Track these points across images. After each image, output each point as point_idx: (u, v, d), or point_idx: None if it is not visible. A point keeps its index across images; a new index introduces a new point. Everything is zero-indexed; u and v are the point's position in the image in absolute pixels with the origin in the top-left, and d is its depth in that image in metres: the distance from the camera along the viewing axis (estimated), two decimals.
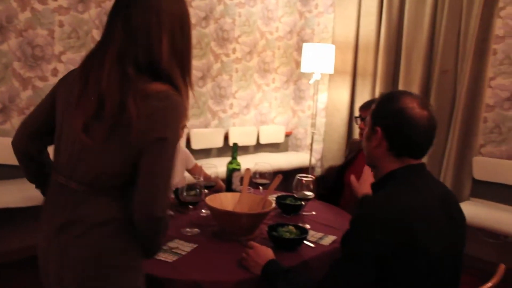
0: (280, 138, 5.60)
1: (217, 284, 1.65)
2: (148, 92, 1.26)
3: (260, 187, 2.59)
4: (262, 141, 5.39)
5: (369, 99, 3.97)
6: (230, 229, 2.06)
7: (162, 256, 1.82)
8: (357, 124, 2.99)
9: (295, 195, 2.30)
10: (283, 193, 2.69)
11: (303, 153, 5.71)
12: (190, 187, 2.13)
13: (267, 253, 1.75)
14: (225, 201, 2.24)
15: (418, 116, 1.48)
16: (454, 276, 1.52)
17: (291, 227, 2.06)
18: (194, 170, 2.83)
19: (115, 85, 1.26)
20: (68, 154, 1.37)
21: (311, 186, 2.28)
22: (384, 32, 4.78)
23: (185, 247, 1.93)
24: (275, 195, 2.61)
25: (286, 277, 1.59)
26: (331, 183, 3.21)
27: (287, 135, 5.76)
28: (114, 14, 1.33)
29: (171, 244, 1.95)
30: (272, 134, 5.51)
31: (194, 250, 1.92)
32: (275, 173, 2.47)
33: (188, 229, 2.12)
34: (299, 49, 5.58)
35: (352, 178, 2.25)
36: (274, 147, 5.64)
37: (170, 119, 1.29)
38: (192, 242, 1.98)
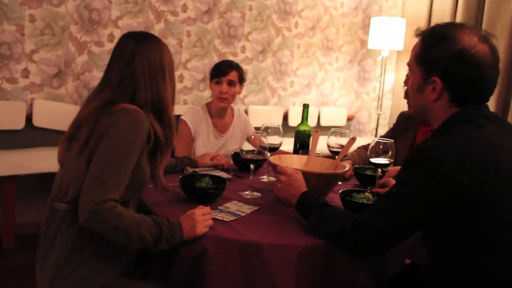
0: (342, 121, 5.26)
1: (280, 248, 1.39)
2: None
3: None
4: (323, 123, 5.09)
5: None
6: None
7: (218, 215, 1.56)
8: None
9: (373, 162, 1.98)
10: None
11: (366, 138, 5.34)
12: (251, 150, 1.89)
13: (300, 182, 1.62)
14: (290, 162, 1.97)
15: (482, 55, 1.25)
16: None
17: (367, 194, 1.76)
18: (253, 140, 2.55)
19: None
20: None
21: (391, 152, 1.96)
22: (462, 6, 4.35)
23: (245, 209, 1.68)
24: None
25: (322, 210, 1.48)
26: None
27: (350, 118, 5.42)
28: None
29: (228, 204, 1.70)
30: (334, 116, 5.19)
31: (254, 212, 1.67)
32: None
33: (248, 192, 1.86)
34: (364, 27, 5.22)
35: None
36: None
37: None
38: (252, 205, 1.72)
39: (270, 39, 4.62)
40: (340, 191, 1.74)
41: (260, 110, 4.59)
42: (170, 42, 4.04)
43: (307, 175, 1.71)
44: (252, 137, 1.91)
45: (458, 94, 1.29)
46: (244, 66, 4.46)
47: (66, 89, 3.56)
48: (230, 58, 4.35)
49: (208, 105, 2.58)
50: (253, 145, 1.98)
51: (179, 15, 4.05)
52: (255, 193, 1.88)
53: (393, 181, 1.87)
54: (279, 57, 4.72)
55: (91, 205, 1.29)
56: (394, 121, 5.15)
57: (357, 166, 2.29)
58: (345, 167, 1.84)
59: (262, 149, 1.92)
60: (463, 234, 1.23)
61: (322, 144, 2.18)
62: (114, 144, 1.37)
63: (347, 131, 2.23)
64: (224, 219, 1.55)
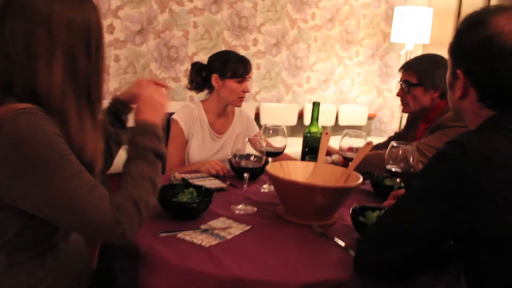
0: (362, 120, 4.94)
1: (271, 286, 1.07)
2: None
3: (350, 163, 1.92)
4: (341, 122, 4.78)
5: None
6: (299, 208, 1.46)
7: (197, 238, 1.26)
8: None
9: (391, 170, 1.65)
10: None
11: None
12: (248, 154, 1.57)
13: None
14: (293, 171, 1.65)
15: None
16: None
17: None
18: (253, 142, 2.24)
19: None
20: None
21: (412, 159, 1.62)
22: None
23: (233, 229, 1.37)
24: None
25: None
26: None
27: (370, 117, 5.09)
28: None
29: (214, 222, 1.39)
30: (353, 115, 4.91)
31: (244, 233, 1.36)
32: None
33: (241, 206, 1.55)
34: (387, 19, 4.86)
35: None
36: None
37: None
38: (243, 223, 1.41)
39: (284, 31, 4.30)
40: (351, 208, 1.42)
41: (273, 108, 4.30)
42: (176, 34, 3.76)
43: (311, 188, 1.39)
44: (247, 139, 1.59)
45: (486, 92, 1.05)
46: (256, 60, 4.17)
47: None
48: (241, 51, 4.06)
49: (205, 102, 2.27)
50: (255, 148, 1.66)
51: (185, 4, 3.76)
52: (250, 208, 1.56)
53: None
54: (294, 50, 4.40)
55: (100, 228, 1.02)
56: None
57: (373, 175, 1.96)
58: (359, 179, 1.51)
59: (261, 153, 1.60)
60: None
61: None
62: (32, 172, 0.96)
63: (363, 133, 1.89)
64: (203, 243, 1.24)
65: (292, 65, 4.42)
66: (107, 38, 3.47)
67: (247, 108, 4.18)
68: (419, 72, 2.08)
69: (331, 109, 4.66)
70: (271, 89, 4.33)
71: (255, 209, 1.56)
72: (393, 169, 1.65)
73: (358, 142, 1.89)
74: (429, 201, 0.99)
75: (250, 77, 2.25)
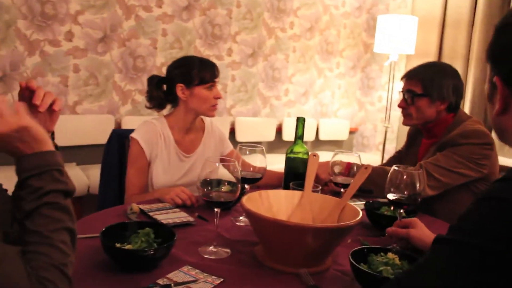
0: (343, 135, 4.70)
1: None
2: None
3: (342, 190, 1.62)
4: (321, 137, 4.53)
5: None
6: (284, 252, 1.15)
7: None
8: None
9: (393, 200, 1.36)
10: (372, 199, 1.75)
11: (371, 154, 4.74)
12: (219, 181, 1.26)
13: None
14: (276, 203, 1.35)
15: None
16: None
17: (392, 255, 1.14)
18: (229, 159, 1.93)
19: None
20: None
21: (419, 185, 1.35)
22: (483, 2, 3.75)
23: (200, 283, 1.05)
24: (359, 201, 1.73)
25: None
26: None
27: (352, 131, 4.83)
28: None
29: (174, 275, 1.08)
30: (334, 129, 4.68)
31: None
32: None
33: (211, 249, 1.24)
34: (368, 29, 4.64)
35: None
36: (335, 145, 4.81)
37: None
38: (215, 274, 1.10)
39: (261, 40, 4.02)
40: (350, 253, 1.12)
41: (249, 123, 4.01)
42: (142, 42, 3.43)
43: (300, 229, 1.08)
44: (219, 161, 1.27)
45: None
46: (231, 72, 3.87)
47: None
48: (215, 61, 3.75)
49: (169, 117, 1.95)
50: (229, 170, 1.35)
51: (153, 10, 3.44)
52: (223, 250, 1.25)
53: (418, 222, 1.34)
54: (271, 61, 4.13)
55: None
56: (402, 134, 4.58)
57: (368, 201, 1.68)
58: (358, 214, 1.21)
59: (236, 180, 1.29)
60: None
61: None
62: None
63: (356, 154, 1.61)
64: None
65: (270, 76, 4.14)
66: (66, 46, 3.13)
67: (221, 124, 3.88)
68: (424, 82, 1.83)
69: (311, 123, 4.39)
70: (247, 102, 4.03)
71: (229, 251, 1.26)
72: (395, 198, 1.36)
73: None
74: (480, 264, 0.69)
75: (218, 81, 1.96)
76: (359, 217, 1.18)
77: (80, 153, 3.22)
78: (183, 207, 1.61)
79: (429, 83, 1.82)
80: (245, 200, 1.23)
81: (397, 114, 4.64)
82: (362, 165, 1.41)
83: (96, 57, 3.27)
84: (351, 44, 4.67)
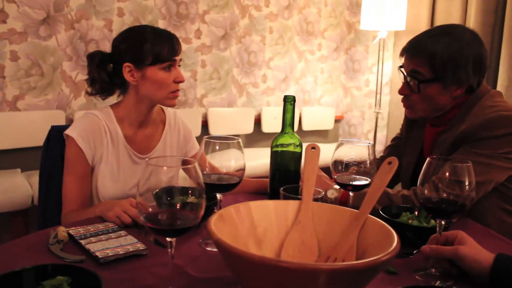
0: (328, 124, 4.38)
1: None
2: None
3: (350, 193, 1.20)
4: (305, 127, 4.16)
5: None
6: None
7: None
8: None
9: (429, 206, 0.94)
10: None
11: (359, 144, 4.33)
12: (183, 189, 0.80)
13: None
14: (262, 220, 0.91)
15: None
16: None
17: None
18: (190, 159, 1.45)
19: None
20: None
21: (468, 183, 0.94)
22: None
23: None
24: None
25: None
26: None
27: (338, 120, 4.44)
28: None
29: None
30: (318, 118, 4.38)
31: None
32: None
33: None
34: (351, 7, 4.26)
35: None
36: (320, 136, 4.44)
37: None
38: None
39: (233, 20, 3.60)
40: None
41: (224, 114, 3.63)
42: (95, 23, 2.95)
43: (304, 273, 0.65)
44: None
45: None
46: (200, 56, 3.43)
47: None
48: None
49: (117, 108, 1.49)
50: (191, 177, 0.89)
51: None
52: None
53: (466, 236, 0.96)
54: (246, 44, 3.71)
55: None
56: (393, 121, 4.18)
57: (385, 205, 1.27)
58: (390, 234, 0.78)
59: (199, 188, 0.84)
60: None
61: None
62: None
63: (369, 143, 1.18)
64: None
65: (245, 61, 3.70)
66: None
67: (191, 116, 3.43)
68: (434, 60, 1.35)
69: None
70: (220, 91, 3.60)
71: None
72: (435, 203, 0.95)
73: (361, 153, 1.18)
74: None
75: (181, 60, 1.48)
76: (395, 242, 0.75)
77: (25, 157, 2.73)
78: (133, 227, 1.16)
79: (440, 63, 1.35)
80: (213, 222, 0.79)
81: (385, 98, 4.26)
82: (385, 159, 0.98)
83: (38, 42, 2.78)
84: (333, 24, 4.26)
